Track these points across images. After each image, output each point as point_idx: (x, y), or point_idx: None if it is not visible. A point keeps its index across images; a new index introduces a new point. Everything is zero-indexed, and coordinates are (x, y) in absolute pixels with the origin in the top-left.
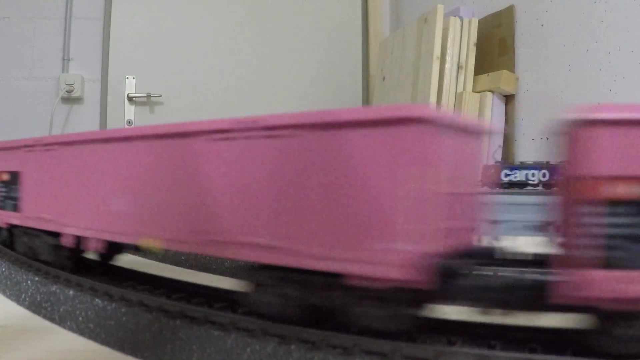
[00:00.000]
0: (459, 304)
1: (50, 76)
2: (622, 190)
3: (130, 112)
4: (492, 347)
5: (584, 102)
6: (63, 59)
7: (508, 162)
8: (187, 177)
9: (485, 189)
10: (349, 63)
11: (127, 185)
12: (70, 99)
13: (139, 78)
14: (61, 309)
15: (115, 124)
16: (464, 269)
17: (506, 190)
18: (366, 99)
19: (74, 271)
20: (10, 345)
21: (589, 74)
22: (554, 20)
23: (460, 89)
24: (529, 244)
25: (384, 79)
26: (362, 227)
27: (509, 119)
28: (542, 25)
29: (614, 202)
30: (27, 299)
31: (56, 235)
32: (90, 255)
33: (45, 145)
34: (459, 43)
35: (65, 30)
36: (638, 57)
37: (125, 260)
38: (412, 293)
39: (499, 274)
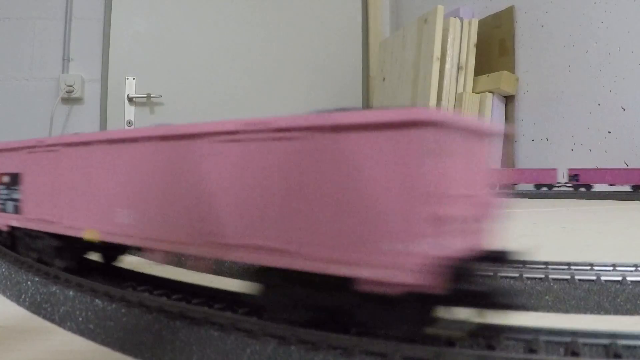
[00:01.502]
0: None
1: (50, 76)
2: None
3: (130, 112)
4: (492, 348)
5: (583, 103)
6: (63, 59)
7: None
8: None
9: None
10: (349, 63)
11: None
12: (70, 100)
13: (139, 78)
14: (61, 310)
15: (115, 125)
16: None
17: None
18: (366, 99)
19: None
20: (10, 345)
21: (589, 74)
22: (554, 21)
23: (460, 90)
24: None
25: (384, 79)
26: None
27: (509, 119)
28: (542, 26)
29: None
30: (27, 299)
31: None
32: None
33: None
34: (459, 44)
35: (65, 30)
36: (638, 57)
37: (125, 261)
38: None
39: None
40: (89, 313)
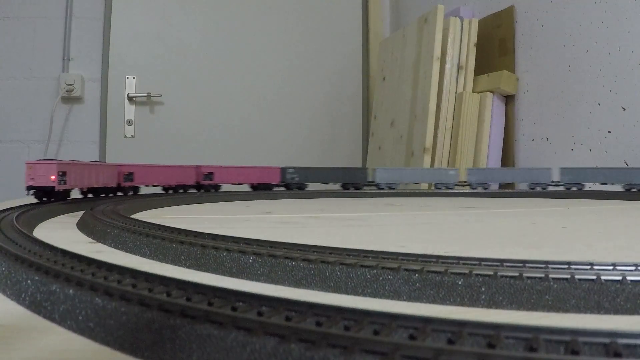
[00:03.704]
0: None
1: (50, 76)
2: None
3: (130, 112)
4: (492, 346)
5: (583, 103)
6: (63, 59)
7: None
8: None
9: None
10: (349, 63)
11: None
12: (70, 99)
13: (139, 78)
14: (61, 308)
15: (115, 124)
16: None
17: None
18: (366, 99)
19: None
20: (10, 345)
21: (589, 74)
22: (554, 21)
23: (460, 89)
24: None
25: (384, 79)
26: None
27: (509, 119)
28: (542, 26)
29: None
30: (27, 298)
31: None
32: None
33: None
34: (459, 43)
35: (65, 30)
36: (638, 57)
37: (125, 260)
38: None
39: None
40: (89, 312)
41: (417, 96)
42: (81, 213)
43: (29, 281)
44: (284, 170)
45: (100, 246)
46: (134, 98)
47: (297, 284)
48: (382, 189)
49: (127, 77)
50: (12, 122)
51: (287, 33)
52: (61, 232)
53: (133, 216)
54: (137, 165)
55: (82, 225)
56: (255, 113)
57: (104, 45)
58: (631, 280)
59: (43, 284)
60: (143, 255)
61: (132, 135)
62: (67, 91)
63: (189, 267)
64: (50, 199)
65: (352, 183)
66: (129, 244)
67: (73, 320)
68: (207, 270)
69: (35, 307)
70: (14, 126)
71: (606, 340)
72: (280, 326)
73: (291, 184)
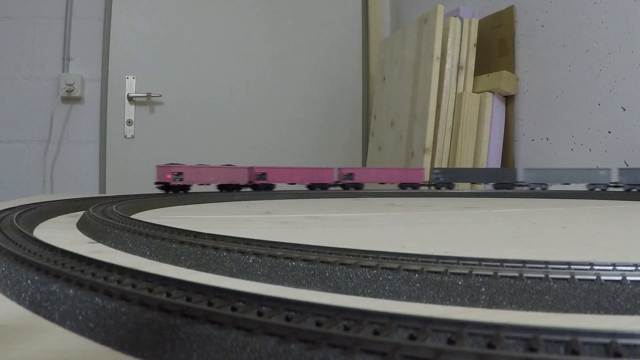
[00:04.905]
0: None
1: (50, 76)
2: None
3: (130, 112)
4: (492, 346)
5: (583, 103)
6: (63, 59)
7: None
8: None
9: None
10: (349, 63)
11: None
12: (70, 99)
13: (139, 78)
14: (61, 308)
15: (115, 124)
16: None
17: None
18: (366, 99)
19: None
20: (10, 345)
21: (589, 74)
22: (554, 21)
23: (460, 90)
24: None
25: (384, 79)
26: None
27: (509, 119)
28: (542, 26)
29: None
30: (27, 298)
31: None
32: None
33: None
34: (459, 43)
35: (65, 30)
36: (638, 57)
37: (125, 260)
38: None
39: None
40: (89, 312)
41: (417, 96)
42: (81, 213)
43: (28, 281)
44: (430, 171)
45: (100, 246)
46: (134, 98)
47: (297, 284)
48: (533, 189)
49: (127, 77)
50: (12, 122)
51: (287, 33)
52: (61, 232)
53: (133, 216)
54: (269, 167)
55: (82, 225)
56: (255, 113)
57: (104, 45)
58: (631, 280)
59: (43, 284)
60: (143, 255)
61: (132, 135)
62: (67, 91)
63: (189, 267)
64: (171, 191)
65: (502, 183)
66: (129, 244)
67: (73, 321)
68: (207, 271)
69: (35, 307)
70: (14, 126)
71: (606, 340)
72: (280, 326)
73: (437, 184)
